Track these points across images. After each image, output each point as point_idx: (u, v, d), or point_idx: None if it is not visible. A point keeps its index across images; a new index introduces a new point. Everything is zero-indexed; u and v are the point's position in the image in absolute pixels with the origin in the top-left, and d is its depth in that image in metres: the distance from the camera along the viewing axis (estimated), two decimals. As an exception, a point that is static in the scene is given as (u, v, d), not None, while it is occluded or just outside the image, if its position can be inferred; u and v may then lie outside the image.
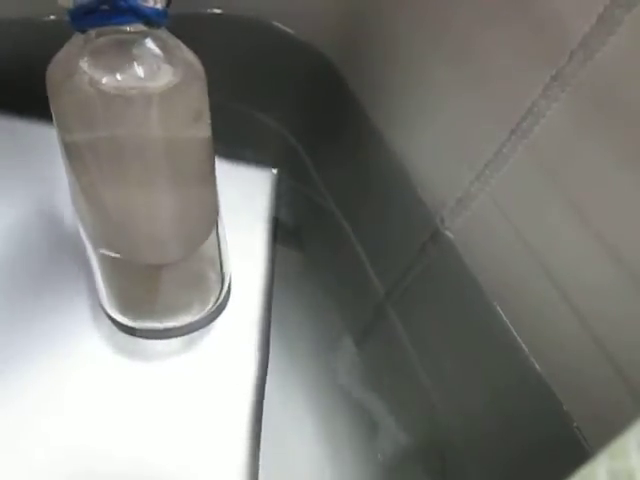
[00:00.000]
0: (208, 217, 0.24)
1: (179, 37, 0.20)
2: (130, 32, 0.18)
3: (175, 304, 0.25)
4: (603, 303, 0.23)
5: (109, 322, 0.25)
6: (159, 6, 0.18)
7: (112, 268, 0.23)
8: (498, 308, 0.28)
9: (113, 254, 0.23)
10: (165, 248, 0.23)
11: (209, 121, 0.22)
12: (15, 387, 0.24)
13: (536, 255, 0.25)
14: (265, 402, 0.28)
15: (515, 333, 0.27)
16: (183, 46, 0.20)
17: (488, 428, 0.30)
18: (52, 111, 0.20)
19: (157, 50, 0.19)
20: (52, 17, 0.32)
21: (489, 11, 0.26)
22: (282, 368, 0.33)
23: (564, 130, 0.23)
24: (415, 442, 0.33)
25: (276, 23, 0.37)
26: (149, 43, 0.19)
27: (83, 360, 0.25)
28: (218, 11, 0.37)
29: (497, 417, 0.29)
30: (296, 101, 0.40)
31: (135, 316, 0.24)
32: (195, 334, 0.26)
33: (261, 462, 0.26)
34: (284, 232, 0.35)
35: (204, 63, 0.21)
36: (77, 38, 0.19)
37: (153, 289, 0.24)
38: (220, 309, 0.26)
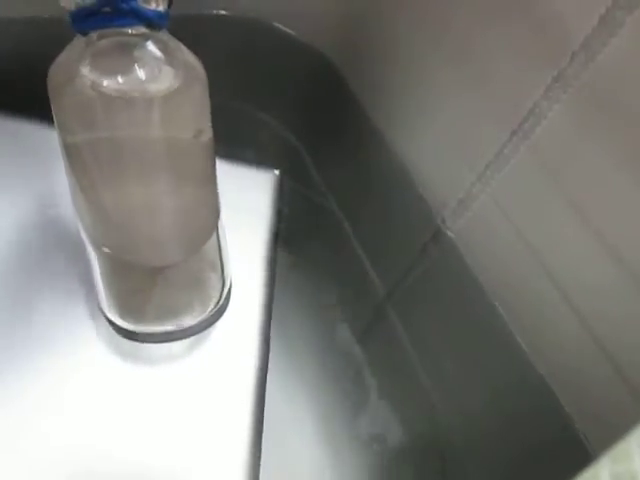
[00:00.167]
0: (209, 219, 0.24)
1: (181, 38, 0.20)
2: (132, 34, 0.18)
3: (175, 307, 0.25)
4: (603, 303, 0.23)
5: (108, 324, 0.25)
6: (161, 8, 0.17)
7: (112, 270, 0.23)
8: (499, 308, 0.28)
9: (113, 256, 0.23)
10: (166, 250, 0.23)
11: (210, 123, 0.22)
12: (15, 388, 0.24)
13: (537, 255, 0.25)
14: (265, 402, 0.28)
15: (515, 333, 0.27)
16: (184, 48, 0.20)
17: (488, 428, 0.30)
18: (53, 113, 0.20)
19: (158, 53, 0.19)
20: (53, 17, 0.32)
21: (490, 11, 0.26)
22: (282, 368, 0.33)
23: (565, 131, 0.23)
24: (415, 442, 0.33)
25: (277, 24, 0.37)
26: (150, 46, 0.19)
27: (83, 361, 0.25)
28: (220, 12, 0.36)
29: (497, 417, 0.29)
30: (297, 101, 0.40)
31: (134, 319, 0.24)
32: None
33: (261, 462, 0.26)
34: (285, 232, 0.35)
35: (205, 63, 0.21)
36: (79, 40, 0.19)
37: (153, 291, 0.24)
38: (220, 312, 0.26)
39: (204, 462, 0.24)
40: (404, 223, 0.34)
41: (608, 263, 0.22)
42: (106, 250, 0.23)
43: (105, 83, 0.18)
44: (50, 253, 0.27)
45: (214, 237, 0.24)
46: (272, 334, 0.30)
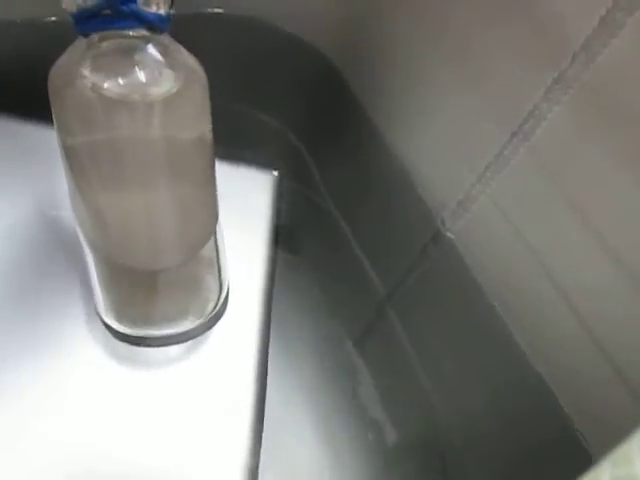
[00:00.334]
0: (208, 222, 0.24)
1: (181, 38, 0.20)
2: (133, 37, 0.18)
3: (173, 311, 0.24)
4: (603, 304, 0.23)
5: (105, 328, 0.25)
6: (162, 12, 0.17)
7: (110, 273, 0.23)
8: (498, 309, 0.28)
9: (111, 259, 0.23)
10: (164, 253, 0.23)
11: (210, 126, 0.22)
12: (13, 389, 0.24)
13: (536, 256, 0.25)
14: (265, 403, 0.28)
15: (515, 334, 0.27)
16: (185, 51, 0.20)
17: (488, 428, 0.30)
18: (53, 115, 0.20)
19: (159, 55, 0.19)
20: (53, 18, 0.32)
21: (490, 12, 0.26)
22: (282, 368, 0.33)
23: (565, 132, 0.23)
24: (415, 442, 0.33)
25: (277, 24, 0.37)
26: (151, 49, 0.19)
27: (82, 363, 0.25)
28: (219, 11, 0.36)
29: (497, 417, 0.29)
30: (297, 102, 0.40)
31: (131, 323, 0.24)
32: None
33: (261, 462, 0.26)
34: (285, 233, 0.35)
35: (206, 64, 0.21)
36: (80, 42, 0.19)
37: (151, 295, 0.24)
38: (218, 316, 0.26)
39: (204, 463, 0.24)
40: (404, 224, 0.34)
41: (607, 264, 0.22)
42: (104, 253, 0.22)
43: (106, 85, 0.18)
44: (50, 254, 0.27)
45: (212, 240, 0.24)
46: (271, 335, 0.30)
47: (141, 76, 0.19)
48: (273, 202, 0.34)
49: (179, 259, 0.23)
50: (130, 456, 0.24)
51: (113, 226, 0.22)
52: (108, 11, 0.17)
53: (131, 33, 0.18)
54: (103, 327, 0.25)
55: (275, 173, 0.35)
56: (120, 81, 0.18)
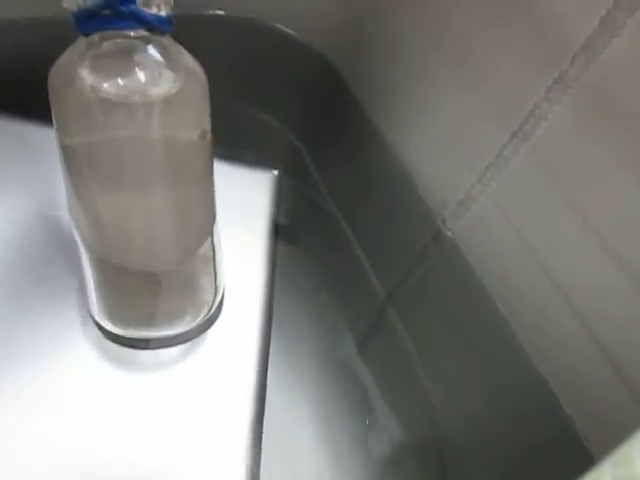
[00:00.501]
0: (205, 222, 0.24)
1: (182, 39, 0.20)
2: (133, 37, 0.18)
3: (168, 313, 0.24)
4: (604, 304, 0.23)
5: (98, 329, 0.25)
6: (162, 13, 0.17)
7: (105, 274, 0.23)
8: (499, 309, 0.28)
9: (107, 260, 0.22)
10: (160, 255, 0.23)
11: (210, 127, 0.22)
12: (10, 390, 0.24)
13: (537, 256, 0.25)
14: (265, 402, 0.28)
15: (516, 334, 0.27)
16: (185, 52, 0.20)
17: (489, 429, 0.30)
18: (52, 114, 0.20)
19: (159, 56, 0.19)
20: (53, 18, 0.32)
21: (490, 12, 0.26)
22: (282, 368, 0.33)
23: (566, 132, 0.23)
24: (415, 442, 0.33)
25: (277, 25, 0.37)
26: (151, 49, 0.19)
27: (81, 364, 0.25)
28: (220, 12, 0.36)
29: (498, 418, 0.29)
30: (297, 102, 0.40)
31: (125, 324, 0.24)
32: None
33: (261, 462, 0.26)
34: (285, 233, 0.35)
35: (206, 64, 0.21)
36: (80, 42, 0.19)
37: (146, 296, 0.24)
38: (213, 319, 0.26)
39: (204, 463, 0.24)
40: (404, 224, 0.34)
41: (608, 264, 0.22)
42: (100, 254, 0.22)
43: (105, 86, 0.18)
44: (49, 255, 0.27)
45: (209, 243, 0.24)
46: (272, 335, 0.30)
47: (141, 77, 0.18)
48: (273, 201, 0.34)
49: (176, 260, 0.23)
50: (130, 457, 0.24)
51: (110, 227, 0.22)
52: (108, 11, 0.17)
53: (132, 34, 0.18)
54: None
55: (275, 172, 0.35)
56: (120, 81, 0.18)
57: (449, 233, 0.30)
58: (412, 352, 0.33)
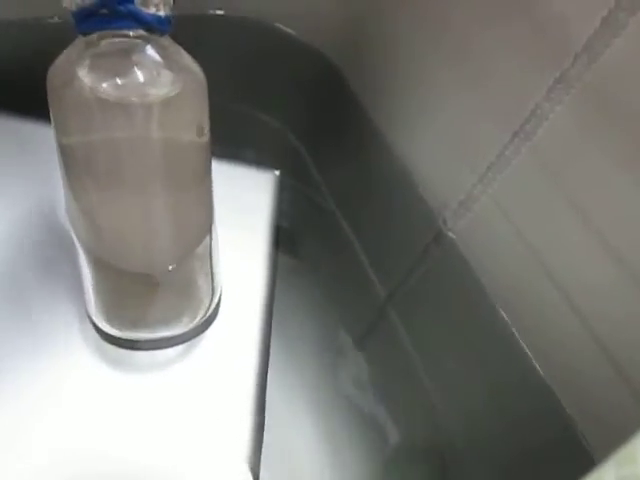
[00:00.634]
0: (203, 223, 0.24)
1: (181, 38, 0.20)
2: (132, 37, 0.18)
3: (165, 314, 0.24)
4: (605, 303, 0.23)
5: (95, 331, 0.25)
6: (161, 13, 0.17)
7: (102, 276, 0.23)
8: (500, 309, 0.28)
9: (104, 262, 0.22)
10: (157, 256, 0.23)
11: (208, 128, 0.21)
12: (9, 390, 0.24)
13: (538, 256, 0.25)
14: (266, 402, 0.28)
15: (517, 334, 0.27)
16: (184, 53, 0.20)
17: (489, 429, 0.30)
18: (51, 114, 0.20)
19: (157, 57, 0.19)
20: (52, 19, 0.32)
21: (491, 12, 0.25)
22: (282, 368, 0.33)
23: (567, 132, 0.23)
24: (416, 442, 0.33)
25: (278, 24, 0.37)
26: (150, 50, 0.18)
27: (80, 365, 0.25)
28: (220, 12, 0.36)
29: (498, 418, 0.29)
30: (298, 102, 0.40)
31: (122, 326, 0.24)
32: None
33: (262, 461, 0.26)
34: (286, 233, 0.35)
35: (206, 64, 0.21)
36: (79, 41, 0.19)
37: (143, 298, 0.24)
38: (209, 321, 0.26)
39: (204, 462, 0.24)
40: (405, 224, 0.34)
41: (609, 263, 0.22)
42: (96, 255, 0.22)
43: (103, 86, 0.18)
44: (48, 254, 0.27)
45: (207, 244, 0.24)
46: (272, 334, 0.30)
47: (139, 77, 0.18)
48: (274, 201, 0.34)
49: (173, 261, 0.23)
50: (130, 456, 0.24)
51: (107, 227, 0.22)
52: (105, 10, 0.17)
53: (130, 33, 0.18)
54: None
55: (276, 172, 0.35)
56: (118, 82, 0.18)
57: (450, 233, 0.30)
58: (412, 352, 0.33)
